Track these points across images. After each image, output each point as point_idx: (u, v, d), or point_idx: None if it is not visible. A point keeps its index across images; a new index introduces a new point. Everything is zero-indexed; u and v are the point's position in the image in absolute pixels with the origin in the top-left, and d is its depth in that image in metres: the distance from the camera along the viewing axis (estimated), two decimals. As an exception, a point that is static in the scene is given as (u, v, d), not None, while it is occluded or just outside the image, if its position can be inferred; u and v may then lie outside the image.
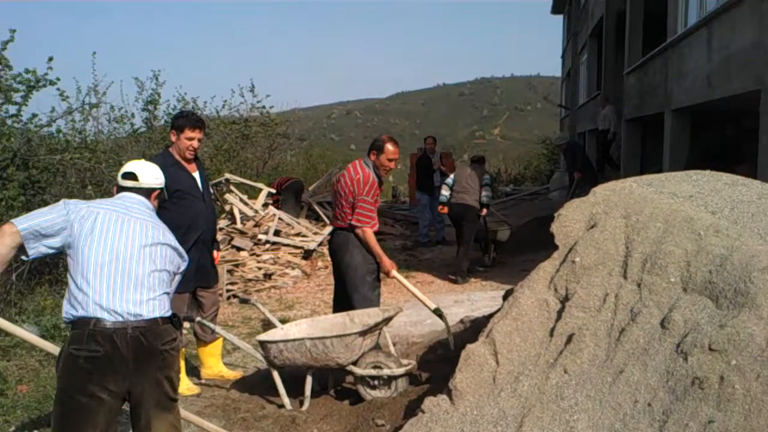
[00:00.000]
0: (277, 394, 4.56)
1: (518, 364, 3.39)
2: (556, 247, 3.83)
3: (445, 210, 9.68)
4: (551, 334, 3.43)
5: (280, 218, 11.47)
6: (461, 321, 5.56)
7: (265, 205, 12.31)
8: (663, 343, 3.13)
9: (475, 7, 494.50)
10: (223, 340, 5.12)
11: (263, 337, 4.49)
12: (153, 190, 3.20)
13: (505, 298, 5.18)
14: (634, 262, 3.50)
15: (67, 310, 2.83)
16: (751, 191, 3.95)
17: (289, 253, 10.64)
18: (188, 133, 4.77)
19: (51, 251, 2.91)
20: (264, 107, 16.24)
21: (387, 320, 4.59)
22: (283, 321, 5.81)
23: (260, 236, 10.82)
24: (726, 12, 6.75)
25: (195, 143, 4.84)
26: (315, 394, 4.57)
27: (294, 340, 4.30)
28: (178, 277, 3.19)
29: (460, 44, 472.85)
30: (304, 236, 11.29)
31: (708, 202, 3.82)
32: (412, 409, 3.91)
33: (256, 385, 5.02)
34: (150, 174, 3.21)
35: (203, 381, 5.22)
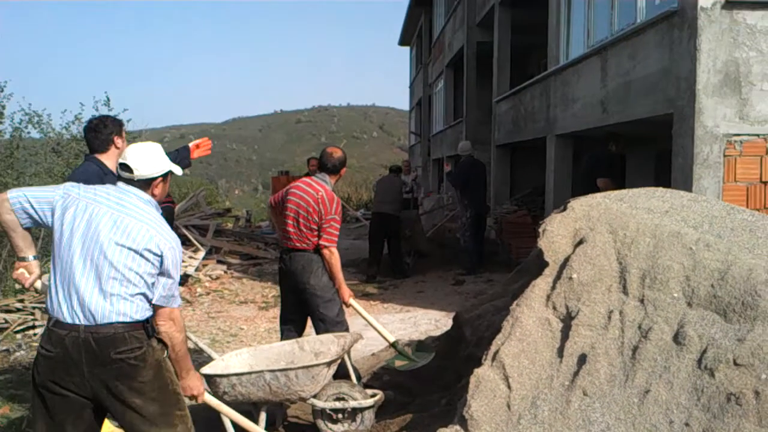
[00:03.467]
0: (219, 434, 4.00)
1: (531, 387, 3.16)
2: (546, 264, 3.66)
3: None
4: (560, 355, 3.23)
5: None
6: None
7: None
8: (682, 360, 3.04)
9: (310, 37, 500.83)
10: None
11: (208, 370, 3.92)
12: (152, 179, 2.79)
13: (455, 320, 4.98)
14: (632, 278, 3.41)
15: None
16: (716, 207, 4.02)
17: (163, 280, 9.78)
18: (124, 136, 4.16)
19: (42, 223, 2.74)
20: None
21: (348, 348, 4.20)
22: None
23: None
24: (626, 40, 7.09)
25: None
26: (263, 433, 4.05)
27: (251, 373, 3.77)
28: (164, 282, 2.75)
29: (296, 72, 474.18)
30: (178, 261, 10.44)
31: (685, 217, 3.83)
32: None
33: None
34: (147, 164, 2.78)
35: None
